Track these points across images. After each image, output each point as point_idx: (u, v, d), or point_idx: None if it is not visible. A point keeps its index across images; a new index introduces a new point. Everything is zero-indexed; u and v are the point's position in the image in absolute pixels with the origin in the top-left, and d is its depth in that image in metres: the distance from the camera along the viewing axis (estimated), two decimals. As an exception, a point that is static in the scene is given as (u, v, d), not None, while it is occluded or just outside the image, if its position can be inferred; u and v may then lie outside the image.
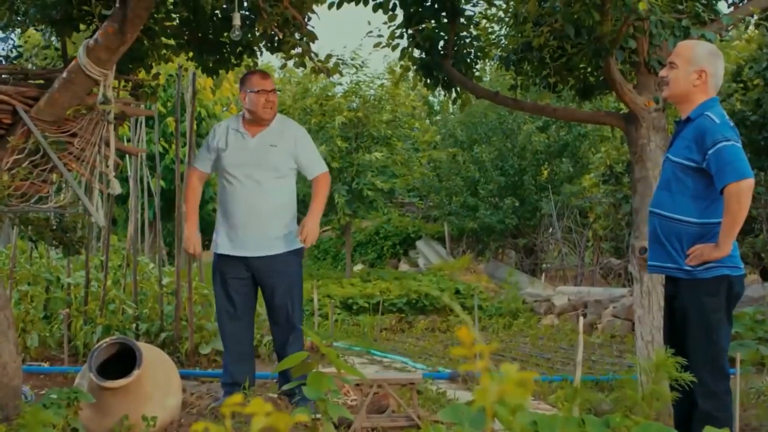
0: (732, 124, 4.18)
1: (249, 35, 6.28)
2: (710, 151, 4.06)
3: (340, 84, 18.76)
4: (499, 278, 16.61)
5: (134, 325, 8.60)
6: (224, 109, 21.98)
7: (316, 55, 6.03)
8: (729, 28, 6.07)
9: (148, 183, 11.91)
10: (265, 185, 5.70)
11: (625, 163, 13.03)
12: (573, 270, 16.79)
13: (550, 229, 17.91)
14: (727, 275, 4.14)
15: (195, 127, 8.99)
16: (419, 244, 19.80)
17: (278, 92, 5.89)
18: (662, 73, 4.36)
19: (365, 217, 20.50)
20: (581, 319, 3.92)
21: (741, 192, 3.97)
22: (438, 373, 7.99)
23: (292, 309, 5.78)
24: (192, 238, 5.86)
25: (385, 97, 18.77)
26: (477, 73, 7.61)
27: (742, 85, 12.04)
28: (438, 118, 24.67)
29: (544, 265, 18.16)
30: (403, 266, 19.11)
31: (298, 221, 5.84)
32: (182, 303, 8.35)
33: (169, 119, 18.72)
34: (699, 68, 4.22)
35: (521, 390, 1.05)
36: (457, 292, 14.60)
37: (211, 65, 7.01)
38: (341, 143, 17.40)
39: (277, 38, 6.04)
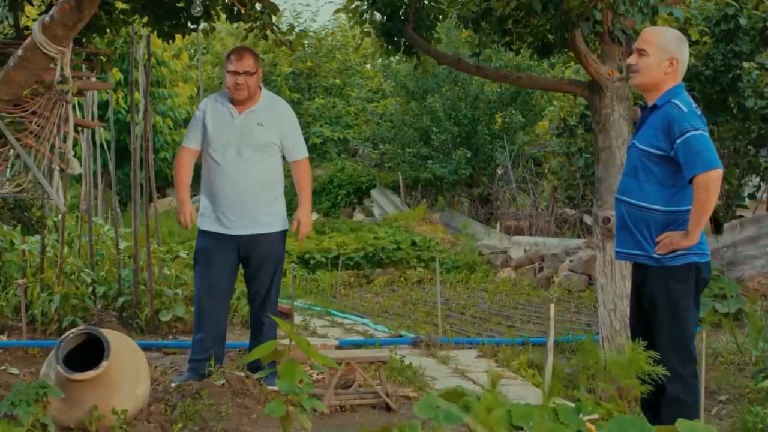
0: (699, 112, 4.19)
1: (207, 2, 6.14)
2: (678, 141, 4.07)
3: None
4: (455, 228, 16.65)
5: (90, 289, 8.49)
6: (173, 54, 21.51)
7: (278, 28, 5.91)
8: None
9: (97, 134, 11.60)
10: (250, 164, 5.65)
11: (578, 115, 13.04)
12: (528, 219, 16.91)
13: (505, 177, 17.96)
14: (696, 262, 4.19)
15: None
16: (374, 193, 19.70)
17: (252, 74, 5.62)
18: (630, 60, 4.29)
19: (318, 165, 20.34)
20: (553, 306, 3.94)
21: (710, 182, 4.00)
22: (401, 338, 8.03)
23: (273, 289, 5.82)
24: (185, 211, 5.72)
25: (337, 45, 18.54)
26: (436, 35, 7.50)
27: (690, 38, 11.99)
28: (395, 59, 24.39)
29: (499, 212, 18.24)
30: (358, 215, 19.00)
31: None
32: (140, 266, 8.27)
33: (114, 70, 18.30)
34: (671, 56, 4.19)
35: None
36: (414, 243, 14.60)
37: (166, 30, 6.86)
38: (291, 94, 17.18)
39: (237, 10, 5.91)
